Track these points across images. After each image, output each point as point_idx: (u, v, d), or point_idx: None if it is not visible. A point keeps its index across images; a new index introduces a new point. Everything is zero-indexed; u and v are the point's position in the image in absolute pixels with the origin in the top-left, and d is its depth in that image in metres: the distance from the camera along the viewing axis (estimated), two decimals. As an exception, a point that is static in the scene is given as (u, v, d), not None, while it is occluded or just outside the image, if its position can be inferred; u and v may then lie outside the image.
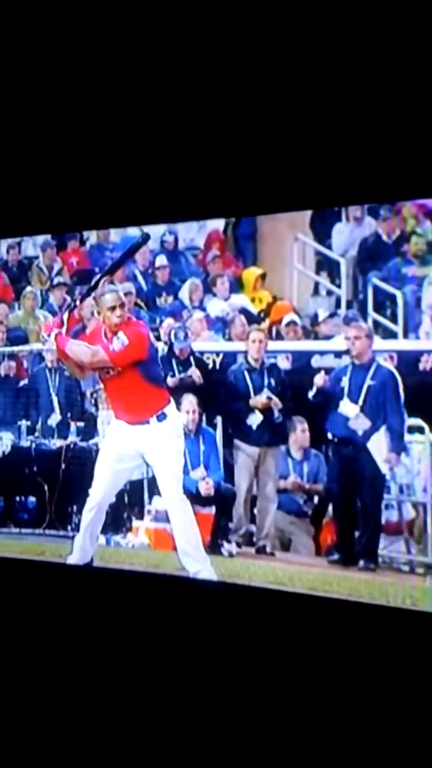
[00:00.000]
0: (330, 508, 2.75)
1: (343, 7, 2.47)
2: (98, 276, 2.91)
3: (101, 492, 2.84)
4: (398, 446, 2.60)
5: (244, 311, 2.99)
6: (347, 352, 2.70)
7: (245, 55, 2.66)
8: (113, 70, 2.88)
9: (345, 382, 2.69)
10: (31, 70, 2.99)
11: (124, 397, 2.81)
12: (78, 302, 2.91)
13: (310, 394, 2.74)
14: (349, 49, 2.50)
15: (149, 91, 2.86)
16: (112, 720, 2.65)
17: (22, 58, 2.98)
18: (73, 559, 2.91)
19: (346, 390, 2.68)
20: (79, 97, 2.98)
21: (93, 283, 2.88)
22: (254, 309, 2.98)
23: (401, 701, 2.38)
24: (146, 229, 3.25)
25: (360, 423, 2.65)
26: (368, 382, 2.65)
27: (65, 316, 2.84)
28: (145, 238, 2.98)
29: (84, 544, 2.87)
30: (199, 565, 2.72)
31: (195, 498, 2.83)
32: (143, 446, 2.80)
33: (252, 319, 2.98)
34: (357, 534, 2.64)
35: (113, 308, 2.74)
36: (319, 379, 2.72)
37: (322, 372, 2.73)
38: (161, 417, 2.78)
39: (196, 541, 2.74)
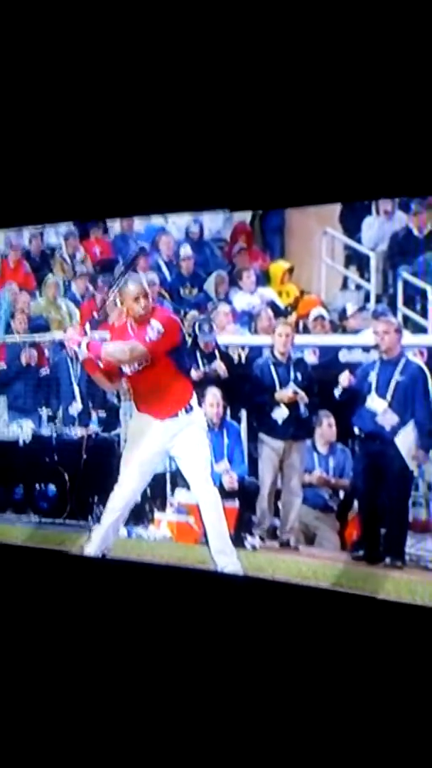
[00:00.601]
0: (356, 503, 2.74)
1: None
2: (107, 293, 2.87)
3: (129, 493, 2.81)
4: (427, 443, 2.58)
5: (270, 304, 2.97)
6: (376, 346, 2.68)
7: (271, 39, 2.62)
8: (143, 52, 2.83)
9: (373, 377, 2.67)
10: (54, 56, 2.95)
11: (155, 390, 2.76)
12: (97, 314, 2.87)
13: (336, 393, 2.72)
14: (383, 38, 2.46)
15: (177, 75, 2.82)
16: (131, 712, 2.64)
17: (48, 43, 2.94)
18: (91, 550, 2.89)
19: (374, 385, 2.66)
20: (104, 84, 2.94)
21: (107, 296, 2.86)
22: (281, 303, 2.96)
23: (427, 700, 2.37)
24: (171, 218, 3.25)
25: (388, 418, 2.63)
26: (397, 377, 2.63)
27: (87, 327, 2.80)
28: (142, 250, 2.96)
29: (106, 537, 2.86)
30: (227, 559, 2.71)
31: (219, 491, 2.81)
32: (172, 440, 2.77)
33: (279, 312, 2.95)
34: (383, 531, 2.63)
35: (137, 298, 2.71)
36: (345, 379, 2.70)
37: (347, 372, 2.70)
38: (189, 409, 2.76)
39: (227, 534, 2.73)
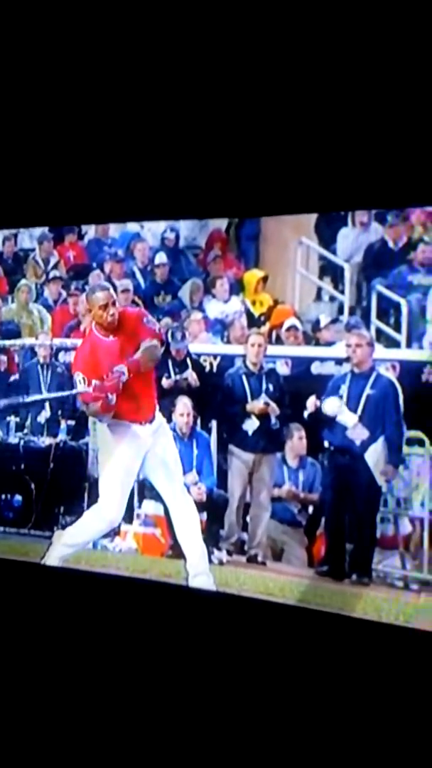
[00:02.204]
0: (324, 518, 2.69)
1: (346, 14, 2.42)
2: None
3: (116, 509, 2.75)
4: (396, 458, 2.54)
5: (243, 314, 2.92)
6: (347, 359, 2.64)
7: (252, 49, 2.60)
8: (116, 62, 2.81)
9: (344, 391, 2.63)
10: (31, 59, 2.92)
11: (141, 394, 2.72)
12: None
13: (305, 414, 2.69)
14: (361, 47, 2.45)
15: (153, 82, 2.80)
16: (90, 722, 2.58)
17: (22, 48, 2.90)
18: (52, 561, 2.82)
19: (344, 399, 2.62)
20: (81, 89, 2.91)
21: None
22: (255, 312, 2.92)
23: (389, 719, 2.32)
24: (146, 225, 3.21)
25: (358, 433, 2.59)
26: (368, 391, 2.59)
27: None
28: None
29: (72, 551, 2.80)
30: (201, 568, 2.66)
31: (187, 503, 2.77)
32: (148, 445, 2.73)
33: (252, 322, 2.91)
34: (350, 547, 2.58)
35: (105, 306, 2.67)
36: (311, 404, 2.66)
37: (313, 397, 2.66)
38: (157, 412, 2.75)
39: (201, 543, 2.69)
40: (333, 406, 2.60)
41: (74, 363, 2.82)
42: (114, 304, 2.68)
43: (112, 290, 2.73)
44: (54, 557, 2.84)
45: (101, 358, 2.70)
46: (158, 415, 2.77)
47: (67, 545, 2.83)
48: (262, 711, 2.48)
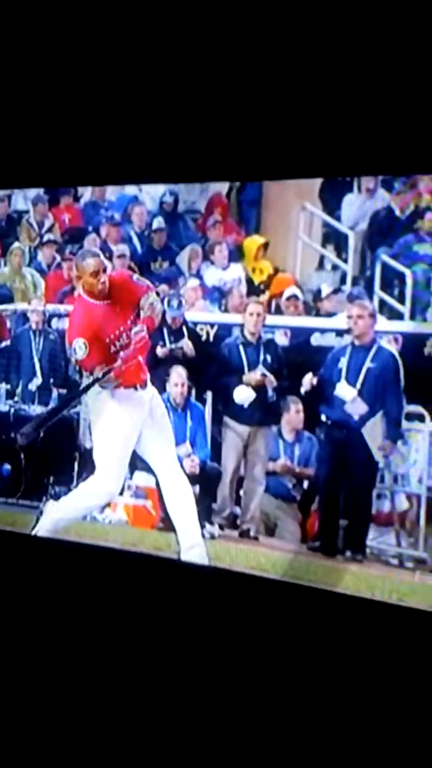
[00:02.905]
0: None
1: None
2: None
3: (115, 481, 2.66)
4: (394, 433, 2.48)
5: (242, 282, 2.84)
6: (348, 331, 2.56)
7: (253, 15, 2.48)
8: (114, 23, 2.69)
9: (343, 364, 2.56)
10: (26, 23, 2.79)
11: (138, 361, 2.61)
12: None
13: (302, 391, 2.61)
14: (369, 14, 2.33)
15: (151, 43, 2.68)
16: (81, 697, 2.55)
17: (17, 14, 2.78)
18: (43, 532, 2.76)
19: (344, 372, 2.55)
20: (78, 48, 2.79)
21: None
22: (254, 280, 2.83)
23: (382, 698, 2.28)
24: (145, 188, 3.10)
25: (357, 407, 2.52)
26: (368, 364, 2.52)
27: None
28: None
29: (64, 524, 2.73)
30: (195, 540, 2.60)
31: (179, 475, 2.71)
32: (146, 414, 2.63)
33: (251, 290, 2.83)
34: (345, 523, 2.53)
35: (96, 273, 2.55)
36: (307, 381, 2.59)
37: (310, 374, 2.59)
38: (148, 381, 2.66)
39: (195, 515, 2.62)
40: (347, 393, 2.51)
41: (70, 331, 2.66)
42: (105, 270, 2.57)
43: (102, 256, 2.62)
44: (45, 528, 2.77)
45: (102, 323, 2.57)
46: (149, 384, 2.67)
47: (61, 518, 2.75)
48: (254, 687, 2.45)
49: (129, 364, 2.56)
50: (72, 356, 2.62)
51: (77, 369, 2.99)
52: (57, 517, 2.74)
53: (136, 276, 2.69)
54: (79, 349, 2.55)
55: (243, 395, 2.71)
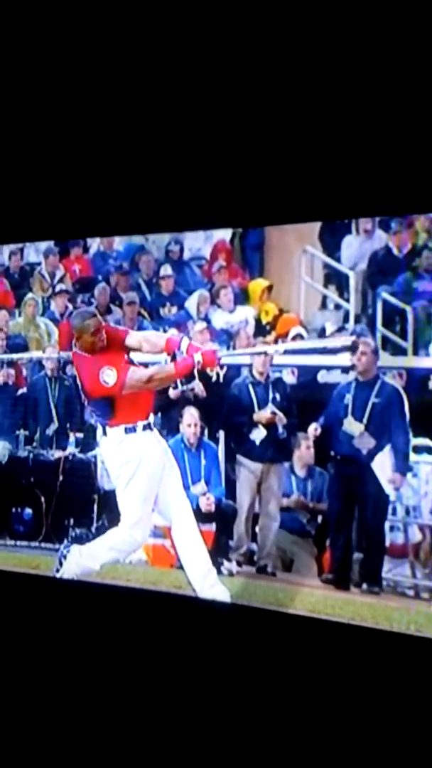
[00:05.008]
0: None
1: (351, 18, 2.41)
2: None
3: (144, 529, 2.70)
4: (403, 466, 2.53)
5: (248, 323, 2.92)
6: (353, 367, 2.63)
7: (252, 60, 2.61)
8: (118, 75, 2.83)
9: (349, 399, 2.63)
10: (35, 72, 2.94)
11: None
12: None
13: (310, 433, 2.70)
14: (361, 54, 2.45)
15: (155, 97, 2.81)
16: (103, 735, 2.57)
17: (25, 61, 2.93)
18: (69, 575, 2.81)
19: (350, 407, 2.62)
20: (84, 104, 2.94)
21: None
22: (262, 320, 2.92)
23: (402, 728, 2.30)
24: (151, 237, 3.22)
25: (365, 442, 2.58)
26: (373, 399, 2.59)
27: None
28: None
29: (92, 571, 2.78)
30: (214, 583, 2.64)
31: (195, 514, 2.75)
32: (163, 454, 2.72)
33: (258, 331, 2.91)
34: (360, 556, 2.57)
35: (97, 331, 2.66)
36: (312, 432, 2.68)
37: (314, 424, 2.67)
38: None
39: (208, 558, 2.66)
40: (355, 428, 2.59)
41: (86, 383, 2.72)
42: (102, 327, 2.68)
43: (98, 315, 2.73)
44: (70, 572, 2.79)
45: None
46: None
47: (86, 566, 2.77)
48: (275, 722, 2.47)
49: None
50: (105, 385, 2.64)
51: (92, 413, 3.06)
52: (83, 564, 2.78)
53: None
54: (108, 377, 2.62)
55: (255, 434, 2.79)
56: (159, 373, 2.65)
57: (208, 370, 2.95)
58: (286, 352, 2.75)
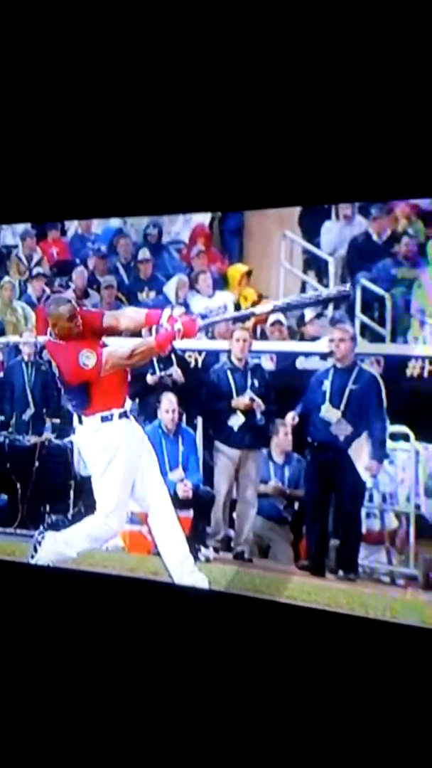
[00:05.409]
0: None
1: (327, 15, 2.38)
2: None
3: (120, 517, 2.67)
4: (380, 453, 2.53)
5: (227, 309, 2.90)
6: (331, 354, 2.62)
7: (232, 44, 2.56)
8: (96, 56, 2.77)
9: (327, 386, 2.62)
10: (19, 55, 2.87)
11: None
12: None
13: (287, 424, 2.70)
14: (346, 43, 2.41)
15: (135, 80, 2.76)
16: (79, 721, 2.57)
17: (11, 43, 2.86)
18: (44, 561, 2.78)
19: (328, 394, 2.61)
20: (63, 86, 2.87)
21: None
22: (241, 306, 2.90)
23: (378, 714, 2.32)
24: (129, 221, 3.18)
25: (342, 428, 2.58)
26: (350, 386, 2.58)
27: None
28: None
29: (67, 558, 2.74)
30: (191, 569, 2.62)
31: (172, 500, 2.73)
32: (141, 442, 2.69)
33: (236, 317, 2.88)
34: (336, 543, 2.58)
35: (73, 317, 2.62)
36: (289, 421, 2.68)
37: (291, 413, 2.66)
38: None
39: (186, 544, 2.65)
40: (332, 415, 2.58)
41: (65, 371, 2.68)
42: (78, 313, 2.64)
43: (73, 301, 2.69)
44: (45, 559, 2.77)
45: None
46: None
47: (61, 552, 2.74)
48: (252, 708, 2.48)
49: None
50: (85, 368, 2.60)
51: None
52: (57, 550, 2.75)
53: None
54: (87, 359, 2.58)
55: (233, 420, 2.77)
56: (140, 346, 2.59)
57: (186, 355, 2.93)
58: (275, 309, 2.68)
